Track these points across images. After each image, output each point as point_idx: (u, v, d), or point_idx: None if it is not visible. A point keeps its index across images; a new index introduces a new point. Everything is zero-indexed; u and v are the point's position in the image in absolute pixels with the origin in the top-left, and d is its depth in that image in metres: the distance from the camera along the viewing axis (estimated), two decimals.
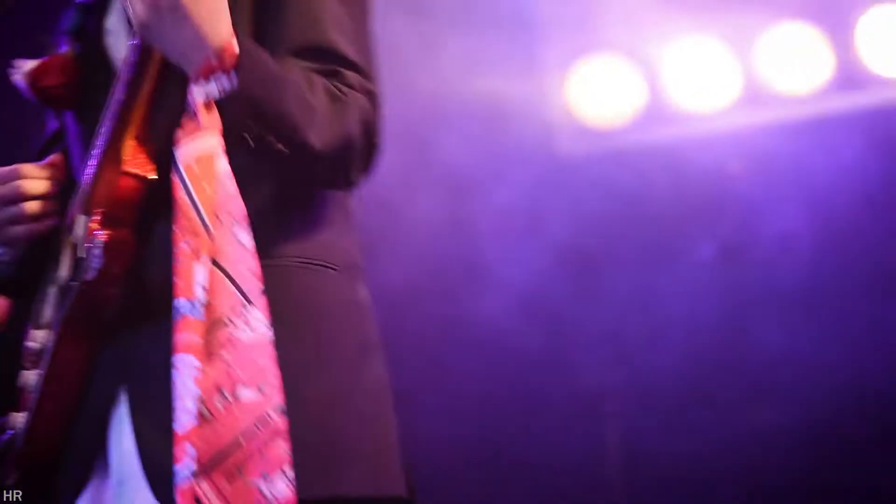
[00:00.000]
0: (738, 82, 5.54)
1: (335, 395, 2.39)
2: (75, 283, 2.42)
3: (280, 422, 2.18)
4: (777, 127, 5.49)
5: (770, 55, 5.49)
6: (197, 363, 2.16)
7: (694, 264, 5.55)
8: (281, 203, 2.43)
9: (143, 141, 2.43)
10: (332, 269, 2.47)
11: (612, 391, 5.66)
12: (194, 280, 2.19)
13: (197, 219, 2.22)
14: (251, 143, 2.29)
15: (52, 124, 2.80)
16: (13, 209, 2.59)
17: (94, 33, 2.61)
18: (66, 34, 2.67)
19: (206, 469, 2.14)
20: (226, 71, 2.28)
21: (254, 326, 2.20)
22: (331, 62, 2.43)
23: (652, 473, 5.53)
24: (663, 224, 5.55)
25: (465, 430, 5.59)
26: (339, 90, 2.40)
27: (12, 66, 2.65)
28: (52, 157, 2.66)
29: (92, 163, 2.45)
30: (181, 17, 2.29)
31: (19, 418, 2.51)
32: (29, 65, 2.64)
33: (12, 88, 2.64)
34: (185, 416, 2.15)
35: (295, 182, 2.44)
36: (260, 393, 2.16)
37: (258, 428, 2.16)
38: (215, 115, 2.27)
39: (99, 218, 2.39)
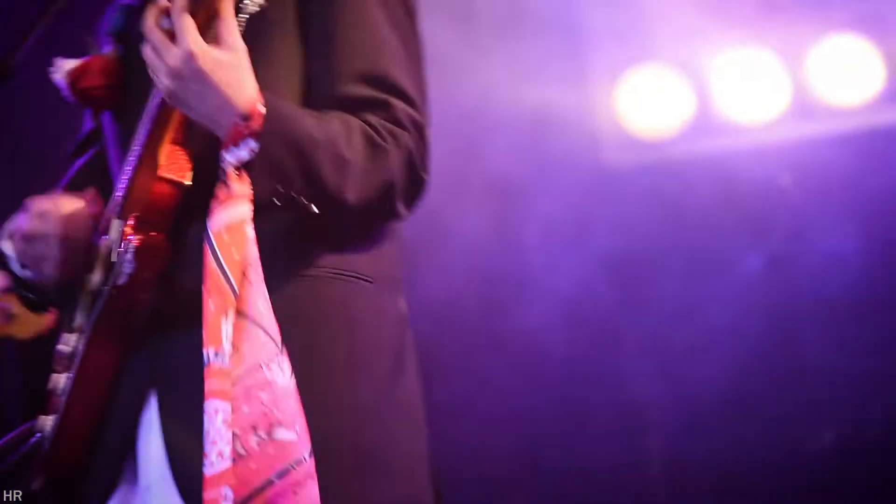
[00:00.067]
0: (787, 94, 5.50)
1: (366, 405, 2.39)
2: (107, 287, 2.43)
3: (312, 465, 2.20)
4: (827, 139, 5.44)
5: (820, 67, 5.45)
6: (226, 406, 2.18)
7: (741, 276, 5.51)
8: (316, 217, 2.42)
9: (179, 146, 2.44)
10: (365, 280, 2.46)
11: (656, 403, 5.62)
12: (222, 333, 2.22)
13: (224, 283, 2.24)
14: (279, 204, 2.31)
15: (88, 124, 2.81)
16: (43, 248, 2.60)
17: (136, 36, 2.59)
18: (109, 35, 2.68)
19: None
20: (253, 135, 2.29)
21: (286, 372, 2.22)
22: (383, 91, 2.44)
23: (695, 487, 5.48)
24: (710, 235, 5.51)
25: (509, 441, 5.58)
26: (381, 136, 2.40)
27: (53, 66, 2.66)
28: (88, 193, 2.65)
29: (128, 167, 2.46)
30: (205, 84, 2.30)
31: (48, 422, 2.51)
32: (69, 64, 2.65)
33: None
34: (218, 459, 2.17)
35: None
36: (297, 435, 2.19)
37: (294, 468, 2.18)
38: (246, 181, 2.28)
39: (133, 222, 2.40)
